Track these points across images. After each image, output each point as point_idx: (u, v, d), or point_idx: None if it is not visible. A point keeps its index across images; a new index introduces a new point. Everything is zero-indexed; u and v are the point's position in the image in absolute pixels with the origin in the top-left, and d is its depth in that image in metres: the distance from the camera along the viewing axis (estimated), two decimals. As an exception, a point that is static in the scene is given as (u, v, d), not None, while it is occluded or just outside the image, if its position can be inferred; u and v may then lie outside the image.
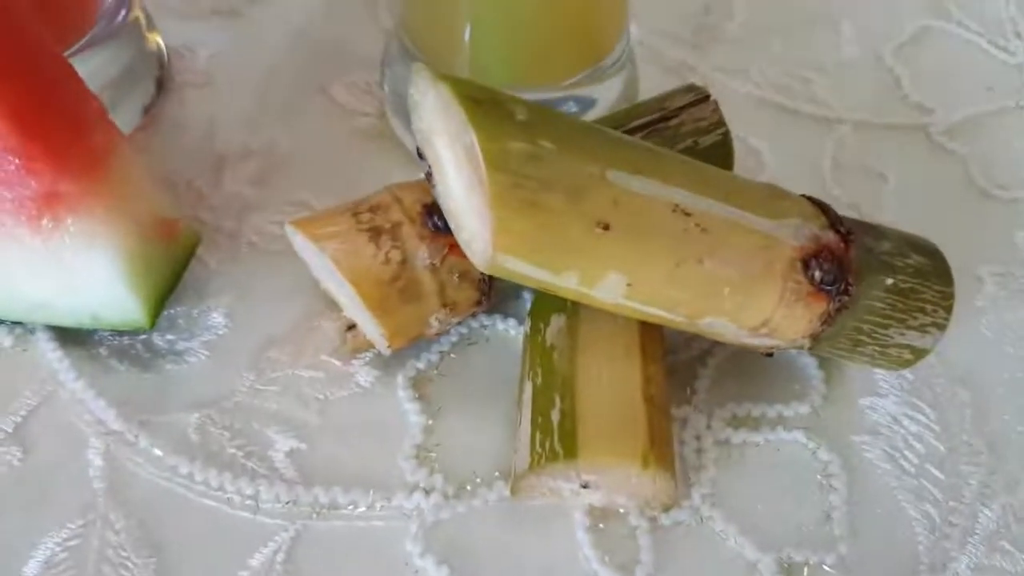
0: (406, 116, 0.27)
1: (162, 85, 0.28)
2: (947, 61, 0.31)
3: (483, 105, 0.18)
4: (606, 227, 0.18)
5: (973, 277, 0.26)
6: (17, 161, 0.19)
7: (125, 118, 0.26)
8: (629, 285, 0.19)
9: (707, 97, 0.24)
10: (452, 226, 0.20)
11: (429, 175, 0.20)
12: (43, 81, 0.19)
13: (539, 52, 0.25)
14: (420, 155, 0.20)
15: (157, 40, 0.28)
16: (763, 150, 0.28)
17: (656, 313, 0.19)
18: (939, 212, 0.27)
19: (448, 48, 0.25)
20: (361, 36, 0.30)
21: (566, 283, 0.19)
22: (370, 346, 0.23)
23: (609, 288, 0.19)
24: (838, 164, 0.28)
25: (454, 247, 0.21)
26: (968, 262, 0.26)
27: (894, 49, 0.31)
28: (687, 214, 0.18)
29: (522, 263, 0.18)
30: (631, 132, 0.23)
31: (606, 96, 0.27)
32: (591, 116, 0.27)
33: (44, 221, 0.20)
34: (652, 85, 0.29)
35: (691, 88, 0.24)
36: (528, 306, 0.23)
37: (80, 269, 0.20)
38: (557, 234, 0.18)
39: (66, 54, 0.24)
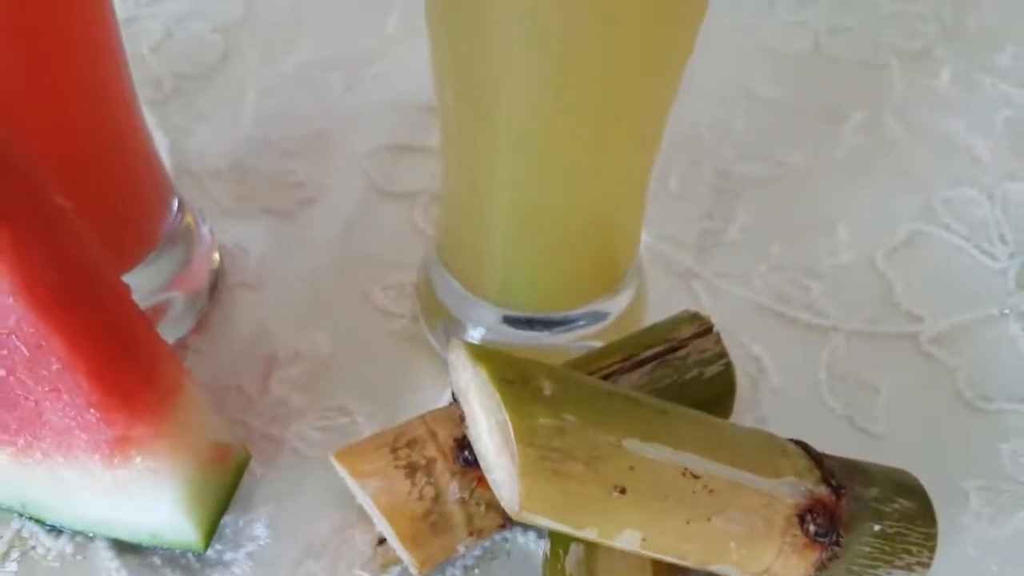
0: (437, 326, 0.29)
1: (216, 287, 0.30)
2: (936, 266, 0.34)
3: (514, 385, 0.20)
4: (623, 491, 0.20)
5: (959, 492, 0.27)
6: (97, 414, 0.21)
7: (180, 323, 0.29)
8: (644, 539, 0.21)
9: (710, 329, 0.27)
10: (482, 465, 0.22)
11: (462, 418, 0.22)
12: (122, 335, 0.22)
13: (562, 286, 0.27)
14: (455, 399, 0.23)
15: (210, 243, 0.31)
16: (764, 358, 0.30)
17: (668, 560, 0.21)
18: (927, 424, 0.29)
19: (478, 276, 0.28)
20: (398, 239, 0.33)
21: (586, 535, 0.21)
22: (399, 560, 0.25)
23: (625, 540, 0.21)
24: (833, 374, 0.30)
25: (482, 480, 0.23)
26: (954, 476, 0.28)
27: (886, 254, 0.34)
28: (696, 477, 0.21)
29: (547, 519, 0.20)
30: (643, 362, 0.26)
31: (617, 308, 0.29)
32: (602, 328, 0.29)
33: (115, 460, 0.22)
34: (659, 292, 0.31)
35: (695, 317, 0.27)
36: (547, 521, 0.25)
37: (142, 496, 0.23)
38: (578, 498, 0.20)
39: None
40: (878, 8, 0.44)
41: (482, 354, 0.21)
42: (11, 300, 0.20)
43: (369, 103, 0.37)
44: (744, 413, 0.29)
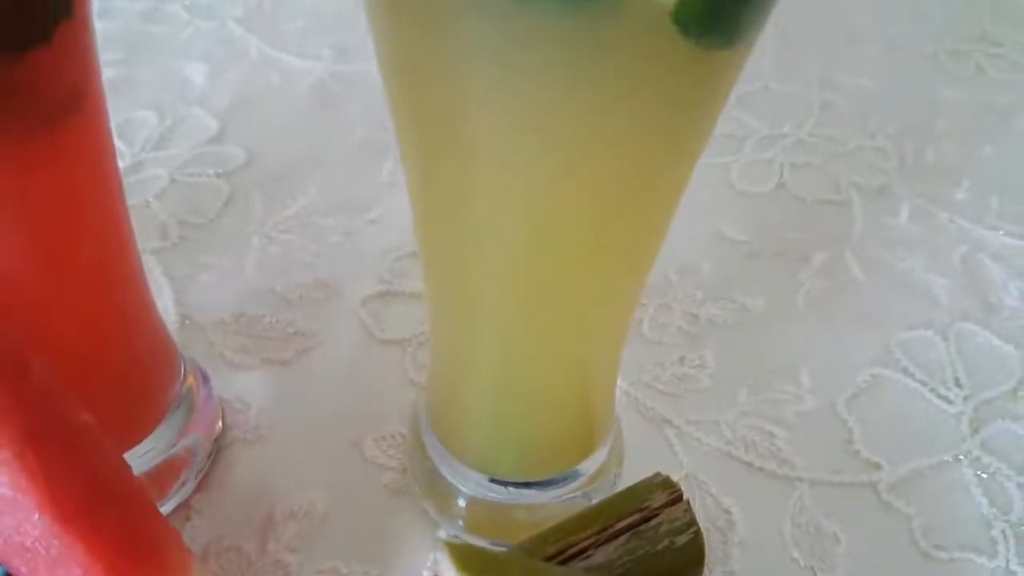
0: (424, 481, 0.31)
1: (218, 443, 0.32)
2: (895, 411, 0.36)
3: (494, 589, 0.22)
4: None
5: (914, 645, 0.29)
6: (114, 610, 0.23)
7: (184, 486, 0.31)
8: None
9: (680, 497, 0.29)
10: (466, 645, 0.24)
11: (447, 601, 0.24)
12: (139, 534, 0.24)
13: (545, 456, 0.29)
14: (440, 583, 0.25)
15: (212, 402, 0.32)
16: (733, 510, 0.32)
17: None
18: (884, 575, 0.31)
19: (464, 447, 0.30)
20: (391, 387, 0.35)
21: None
22: None
23: None
24: (797, 524, 0.32)
25: (467, 658, 0.25)
26: (910, 629, 0.30)
27: (847, 400, 0.36)
28: (660, 670, 0.23)
29: None
30: (618, 534, 0.28)
31: (596, 465, 0.31)
32: (583, 482, 0.31)
33: (128, 647, 0.23)
34: (633, 438, 0.33)
35: (666, 483, 0.29)
36: None
37: (152, 676, 0.24)
38: None
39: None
40: (843, 143, 0.46)
41: (462, 560, 0.22)
42: (37, 516, 0.22)
43: (365, 249, 0.39)
44: (715, 567, 0.31)
